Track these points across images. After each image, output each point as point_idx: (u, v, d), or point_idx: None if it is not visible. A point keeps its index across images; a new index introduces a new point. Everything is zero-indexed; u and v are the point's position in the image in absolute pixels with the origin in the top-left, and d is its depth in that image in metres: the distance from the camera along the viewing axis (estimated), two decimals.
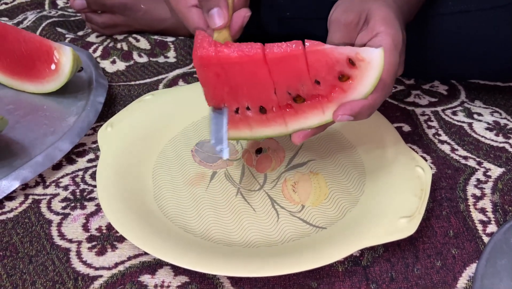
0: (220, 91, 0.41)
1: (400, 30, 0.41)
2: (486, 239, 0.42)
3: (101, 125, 0.52)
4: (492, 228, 0.43)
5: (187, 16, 0.43)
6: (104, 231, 0.43)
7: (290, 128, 0.41)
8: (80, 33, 0.80)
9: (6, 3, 0.92)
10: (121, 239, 0.42)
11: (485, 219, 0.44)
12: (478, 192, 0.47)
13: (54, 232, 0.43)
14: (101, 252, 0.41)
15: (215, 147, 0.40)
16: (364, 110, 0.39)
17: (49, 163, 0.49)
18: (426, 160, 0.51)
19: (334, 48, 0.37)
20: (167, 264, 0.40)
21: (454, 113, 0.59)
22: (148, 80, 0.67)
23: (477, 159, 0.51)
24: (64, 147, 0.51)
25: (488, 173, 0.49)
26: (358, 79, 0.38)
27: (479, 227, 0.43)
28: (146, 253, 0.41)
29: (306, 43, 0.38)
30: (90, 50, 0.72)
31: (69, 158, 0.52)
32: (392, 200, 0.43)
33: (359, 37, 0.42)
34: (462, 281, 0.38)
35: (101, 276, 0.39)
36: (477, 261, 0.39)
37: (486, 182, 0.48)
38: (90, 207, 0.46)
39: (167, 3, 0.45)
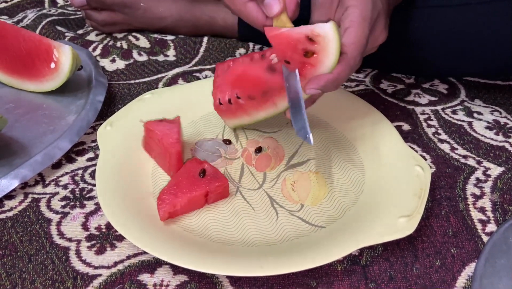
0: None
1: (370, 3, 0.42)
2: (485, 238, 0.42)
3: (101, 124, 0.52)
4: (491, 227, 0.43)
5: (245, 12, 0.44)
6: (104, 230, 0.43)
7: (280, 107, 0.47)
8: (80, 31, 0.80)
9: (6, 2, 0.92)
10: (121, 238, 0.42)
11: (484, 218, 0.44)
12: (477, 191, 0.47)
13: (54, 230, 0.43)
14: (100, 251, 0.41)
15: (301, 135, 0.41)
16: (329, 84, 0.41)
17: (49, 162, 0.49)
18: (425, 159, 0.51)
19: (291, 30, 0.41)
20: (166, 263, 0.40)
21: (454, 112, 0.59)
22: (147, 79, 0.67)
23: (477, 158, 0.51)
24: (64, 146, 0.51)
25: (487, 172, 0.49)
26: (322, 53, 0.41)
27: (479, 226, 0.43)
28: (145, 252, 0.41)
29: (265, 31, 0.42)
30: (90, 49, 0.72)
31: (69, 157, 0.52)
32: (392, 199, 0.43)
33: (336, 15, 0.44)
34: (461, 280, 0.38)
35: (100, 275, 0.39)
36: (476, 260, 0.39)
37: (485, 181, 0.48)
38: (90, 206, 0.46)
39: (224, 3, 0.46)
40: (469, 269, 0.39)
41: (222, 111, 0.51)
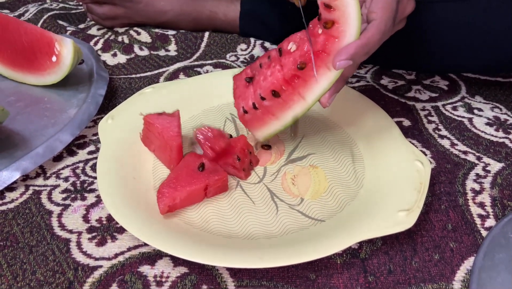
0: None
1: None
2: (484, 233, 0.42)
3: (102, 117, 0.53)
4: (490, 222, 0.43)
5: None
6: (104, 222, 0.43)
7: (309, 100, 0.43)
8: (81, 26, 0.80)
9: None
10: (121, 230, 0.42)
11: (483, 213, 0.44)
12: (477, 186, 0.47)
13: (55, 222, 0.43)
14: (101, 243, 0.41)
15: None
16: (359, 50, 0.38)
17: (50, 154, 0.49)
18: (425, 155, 0.51)
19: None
20: (166, 255, 0.40)
21: (455, 108, 0.59)
22: (148, 73, 0.67)
23: (477, 154, 0.51)
24: (65, 139, 0.51)
25: (487, 168, 0.49)
26: (342, 20, 0.39)
27: (478, 221, 0.43)
28: (145, 244, 0.41)
29: None
30: (91, 43, 0.72)
31: (70, 150, 0.52)
32: (391, 193, 0.43)
33: None
34: (460, 274, 0.39)
35: (101, 266, 0.39)
36: (475, 255, 0.40)
37: (485, 177, 0.48)
38: (91, 198, 0.46)
39: None
40: (468, 263, 0.39)
41: (248, 121, 0.47)
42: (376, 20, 0.39)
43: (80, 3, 0.84)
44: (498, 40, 0.58)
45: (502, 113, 0.58)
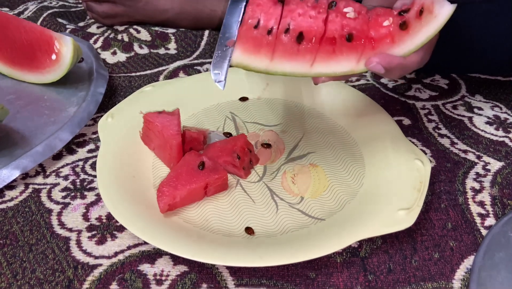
0: None
1: None
2: (484, 232, 0.42)
3: (102, 116, 0.53)
4: (490, 221, 0.43)
5: None
6: (104, 221, 0.43)
7: (314, 70, 0.39)
8: (81, 24, 0.80)
9: None
10: (121, 228, 0.42)
11: (483, 212, 0.44)
12: (477, 185, 0.47)
13: (54, 221, 0.43)
14: (101, 241, 0.41)
15: (212, 72, 0.37)
16: (398, 68, 0.37)
17: (49, 153, 0.49)
18: (425, 153, 0.51)
19: None
20: (166, 253, 0.40)
21: (455, 107, 0.59)
22: (148, 71, 0.67)
23: (477, 153, 0.51)
24: (64, 137, 0.51)
25: (487, 167, 0.49)
26: (413, 33, 0.37)
27: (478, 220, 0.43)
28: (145, 243, 0.41)
29: None
30: (91, 41, 0.72)
31: (70, 148, 0.52)
32: (391, 192, 0.43)
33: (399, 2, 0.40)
34: (460, 273, 0.39)
35: (100, 264, 0.39)
36: (475, 254, 0.40)
37: (485, 176, 0.48)
38: (90, 196, 0.46)
39: None
40: (468, 262, 0.39)
41: (246, 37, 0.39)
42: (422, 48, 0.38)
43: (80, 1, 0.84)
44: (499, 41, 0.58)
45: (502, 112, 0.58)
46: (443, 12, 0.36)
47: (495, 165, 0.50)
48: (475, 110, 0.58)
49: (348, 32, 0.38)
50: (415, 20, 0.37)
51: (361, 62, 0.38)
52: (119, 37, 0.74)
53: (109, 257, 0.40)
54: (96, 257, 0.40)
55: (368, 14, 0.39)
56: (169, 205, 0.42)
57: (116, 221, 0.43)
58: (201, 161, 0.44)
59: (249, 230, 0.41)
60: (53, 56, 0.58)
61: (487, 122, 0.56)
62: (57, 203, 0.45)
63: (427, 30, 0.36)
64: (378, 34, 0.38)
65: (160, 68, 0.68)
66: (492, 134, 0.54)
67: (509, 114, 0.57)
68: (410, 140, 0.51)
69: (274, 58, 0.39)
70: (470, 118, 0.57)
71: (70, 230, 0.42)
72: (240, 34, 0.39)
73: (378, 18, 0.38)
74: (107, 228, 0.43)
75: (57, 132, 0.51)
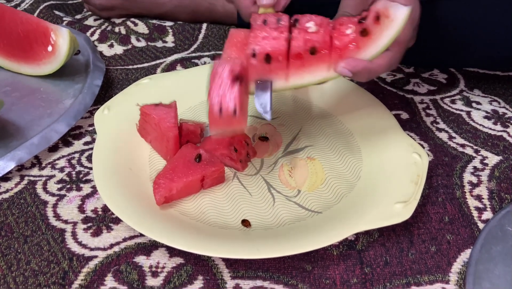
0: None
1: (418, 5, 0.41)
2: (481, 225, 0.42)
3: (98, 108, 0.52)
4: (487, 214, 0.43)
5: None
6: (100, 213, 0.43)
7: (290, 84, 0.42)
8: (78, 16, 0.79)
9: None
10: (117, 220, 0.42)
11: (481, 206, 0.44)
12: (474, 179, 0.47)
13: (50, 212, 0.43)
14: (96, 233, 0.41)
15: (257, 103, 0.40)
16: (365, 72, 0.39)
17: (45, 145, 0.49)
18: (423, 147, 0.51)
19: None
20: (162, 245, 0.40)
21: (453, 101, 0.59)
22: (146, 64, 0.67)
23: (475, 147, 0.51)
24: (61, 129, 0.51)
25: (485, 161, 0.49)
26: (375, 38, 0.38)
27: (475, 213, 0.43)
28: (141, 235, 0.41)
29: None
30: (88, 34, 0.71)
31: (66, 140, 0.52)
32: (388, 185, 0.43)
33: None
34: (456, 266, 0.38)
35: (96, 256, 0.39)
36: (471, 247, 0.40)
37: (483, 170, 0.48)
38: (86, 188, 0.46)
39: None
40: (465, 255, 0.39)
41: (251, 67, 0.41)
42: (390, 51, 0.40)
43: None
44: (498, 37, 0.57)
45: (500, 107, 0.58)
46: (399, 15, 0.37)
47: (492, 159, 0.49)
48: (474, 104, 0.58)
49: (310, 46, 0.40)
50: (374, 26, 0.38)
51: (332, 69, 0.40)
52: (116, 29, 0.73)
53: (104, 249, 0.40)
54: (92, 249, 0.40)
55: (331, 24, 0.40)
56: (165, 197, 0.42)
57: (112, 213, 0.42)
58: (198, 154, 0.44)
59: (245, 223, 0.41)
60: (49, 48, 0.58)
61: (485, 117, 0.56)
62: (53, 194, 0.45)
63: (387, 34, 0.38)
64: (342, 43, 0.40)
65: (158, 61, 0.67)
66: (490, 128, 0.54)
67: (507, 109, 0.57)
68: (408, 134, 0.50)
69: (250, 81, 0.42)
70: (468, 113, 0.57)
71: (66, 222, 0.42)
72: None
73: (341, 27, 0.40)
74: (103, 220, 0.42)
75: (53, 124, 0.50)
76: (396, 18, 0.38)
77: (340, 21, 0.40)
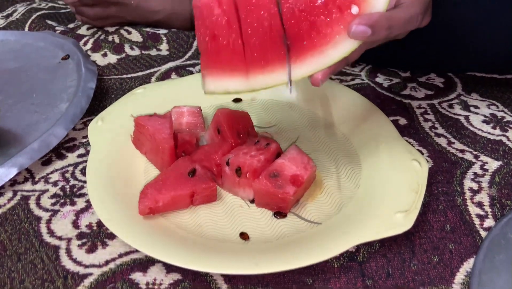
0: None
1: None
2: (483, 233, 0.41)
3: (92, 119, 0.51)
4: (489, 222, 0.42)
5: None
6: (95, 228, 0.42)
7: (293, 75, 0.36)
8: (71, 25, 0.78)
9: None
10: (112, 235, 0.41)
11: (482, 213, 0.43)
12: (475, 186, 0.46)
13: (43, 229, 0.42)
14: (91, 249, 0.40)
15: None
16: (382, 21, 0.34)
17: (46, 149, 0.48)
18: (422, 154, 0.50)
19: None
20: (159, 261, 0.39)
21: (451, 106, 0.59)
22: (140, 73, 0.66)
23: (474, 152, 0.51)
24: (59, 133, 0.50)
25: (485, 167, 0.49)
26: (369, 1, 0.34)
27: (476, 221, 0.43)
28: (137, 250, 0.40)
29: None
30: (81, 43, 0.70)
31: (59, 153, 0.51)
32: (388, 194, 0.42)
33: None
34: (460, 276, 0.38)
35: (91, 274, 0.38)
36: (474, 256, 0.39)
37: (483, 176, 0.47)
38: (80, 203, 0.45)
39: None
40: (468, 265, 0.39)
41: (210, 54, 0.36)
42: (406, 3, 0.37)
43: (68, 6, 0.82)
44: (495, 40, 0.57)
45: (498, 111, 0.57)
46: None
47: (492, 164, 0.49)
48: (472, 109, 0.58)
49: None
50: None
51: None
52: (110, 38, 0.72)
53: (99, 266, 0.39)
54: (87, 266, 0.39)
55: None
56: (150, 208, 0.40)
57: (107, 228, 0.41)
58: (192, 168, 0.43)
59: (244, 236, 0.40)
60: None
61: (484, 121, 0.55)
62: (46, 210, 0.44)
63: None
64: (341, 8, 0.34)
65: (152, 70, 0.66)
66: (489, 133, 0.53)
67: (505, 113, 0.57)
68: (406, 140, 0.50)
69: (249, 71, 0.36)
70: (466, 117, 0.56)
71: (60, 238, 0.41)
72: (203, 58, 0.37)
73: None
74: (98, 235, 0.41)
75: (51, 129, 0.50)
76: None
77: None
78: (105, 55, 0.69)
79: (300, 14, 0.35)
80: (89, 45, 0.70)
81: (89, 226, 0.42)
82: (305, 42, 0.35)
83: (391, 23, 0.35)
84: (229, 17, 0.35)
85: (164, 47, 0.71)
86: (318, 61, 0.35)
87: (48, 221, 0.43)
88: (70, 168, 0.49)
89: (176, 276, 0.38)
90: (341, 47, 0.35)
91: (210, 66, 0.37)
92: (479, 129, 0.54)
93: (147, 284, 0.37)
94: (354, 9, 0.34)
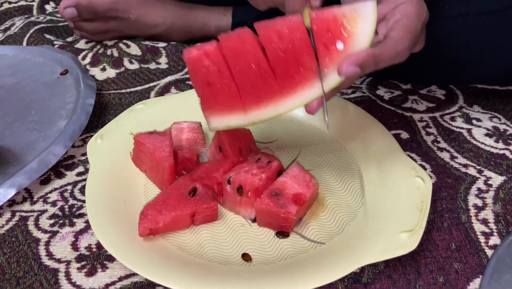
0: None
1: (424, 9, 0.40)
2: (488, 251, 0.41)
3: (91, 135, 0.51)
4: (494, 240, 0.42)
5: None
6: (94, 250, 0.41)
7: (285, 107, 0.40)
8: (69, 39, 0.78)
9: None
10: (112, 258, 0.41)
11: (487, 230, 0.43)
12: (479, 202, 0.46)
13: (42, 251, 0.41)
14: (91, 273, 0.39)
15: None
16: (369, 59, 0.35)
17: (44, 168, 0.48)
18: (425, 169, 0.50)
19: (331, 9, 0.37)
20: (160, 284, 0.38)
21: (453, 119, 0.58)
22: (139, 87, 0.65)
23: (478, 167, 0.50)
24: (58, 151, 0.49)
25: (489, 182, 0.48)
26: (355, 37, 0.36)
27: (482, 239, 0.42)
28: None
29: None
30: (79, 57, 0.70)
31: (58, 171, 0.50)
32: (392, 213, 0.41)
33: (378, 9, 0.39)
34: None
35: None
36: (480, 276, 0.38)
37: (487, 191, 0.47)
38: (80, 223, 0.44)
39: None
40: (474, 285, 0.38)
41: (208, 98, 0.41)
42: (394, 38, 0.37)
43: (67, 22, 0.82)
44: (497, 54, 0.57)
45: (501, 123, 0.57)
46: (367, 9, 0.36)
47: (496, 179, 0.48)
48: (474, 121, 0.57)
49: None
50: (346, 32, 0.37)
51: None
52: (109, 52, 0.72)
53: None
54: None
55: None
56: (150, 229, 0.40)
57: (107, 250, 0.41)
58: (193, 187, 0.43)
59: (246, 256, 0.40)
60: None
61: (486, 134, 0.55)
62: (45, 231, 0.43)
63: (365, 28, 0.36)
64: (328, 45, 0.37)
65: (151, 84, 0.66)
66: (492, 147, 0.53)
67: (508, 126, 0.56)
68: (409, 155, 0.49)
69: (247, 110, 0.40)
70: (469, 130, 0.56)
71: (59, 260, 0.41)
72: (202, 102, 0.41)
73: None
74: (97, 257, 0.41)
75: (50, 147, 0.49)
76: (366, 14, 0.36)
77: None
78: (104, 69, 0.68)
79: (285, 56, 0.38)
80: (87, 60, 0.70)
81: (89, 247, 0.42)
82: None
83: (378, 60, 0.37)
84: (219, 66, 0.40)
85: (163, 60, 0.71)
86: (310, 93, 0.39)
87: (47, 243, 0.42)
88: (69, 187, 0.48)
89: None
90: (331, 79, 0.38)
91: (210, 108, 0.41)
92: (482, 143, 0.54)
93: None
94: (339, 45, 0.37)
